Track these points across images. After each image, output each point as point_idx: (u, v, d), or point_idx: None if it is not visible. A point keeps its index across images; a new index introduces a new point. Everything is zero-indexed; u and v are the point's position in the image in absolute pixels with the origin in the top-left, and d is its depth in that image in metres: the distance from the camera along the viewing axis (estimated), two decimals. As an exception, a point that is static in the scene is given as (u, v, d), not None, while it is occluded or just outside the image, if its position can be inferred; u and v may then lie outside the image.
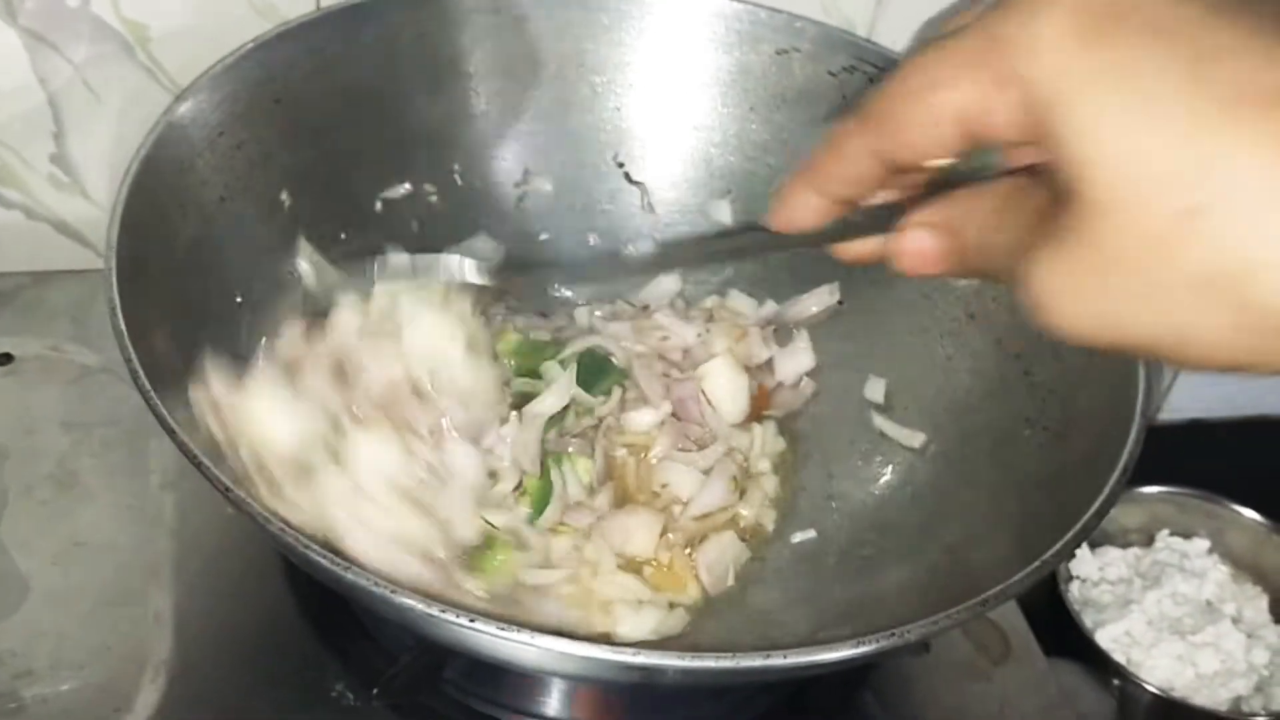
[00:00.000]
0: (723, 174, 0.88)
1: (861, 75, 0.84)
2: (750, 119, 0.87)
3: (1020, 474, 0.70)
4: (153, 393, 0.57)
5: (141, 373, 0.58)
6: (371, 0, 0.80)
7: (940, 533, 0.72)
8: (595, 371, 0.80)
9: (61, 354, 0.85)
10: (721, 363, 0.83)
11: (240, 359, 0.72)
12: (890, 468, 0.79)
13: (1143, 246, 0.37)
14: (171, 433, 0.57)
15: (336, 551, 0.56)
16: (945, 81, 0.41)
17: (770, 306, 0.87)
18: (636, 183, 0.89)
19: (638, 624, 0.71)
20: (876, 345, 0.84)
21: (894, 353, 0.83)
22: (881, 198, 0.48)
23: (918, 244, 0.46)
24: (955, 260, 0.45)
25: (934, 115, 0.42)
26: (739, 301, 0.88)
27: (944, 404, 0.79)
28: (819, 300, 0.84)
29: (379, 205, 0.83)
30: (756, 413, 0.84)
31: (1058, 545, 0.58)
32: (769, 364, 0.86)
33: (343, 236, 0.81)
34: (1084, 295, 0.38)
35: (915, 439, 0.79)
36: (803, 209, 0.49)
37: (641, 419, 0.79)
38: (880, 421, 0.81)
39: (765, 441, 0.82)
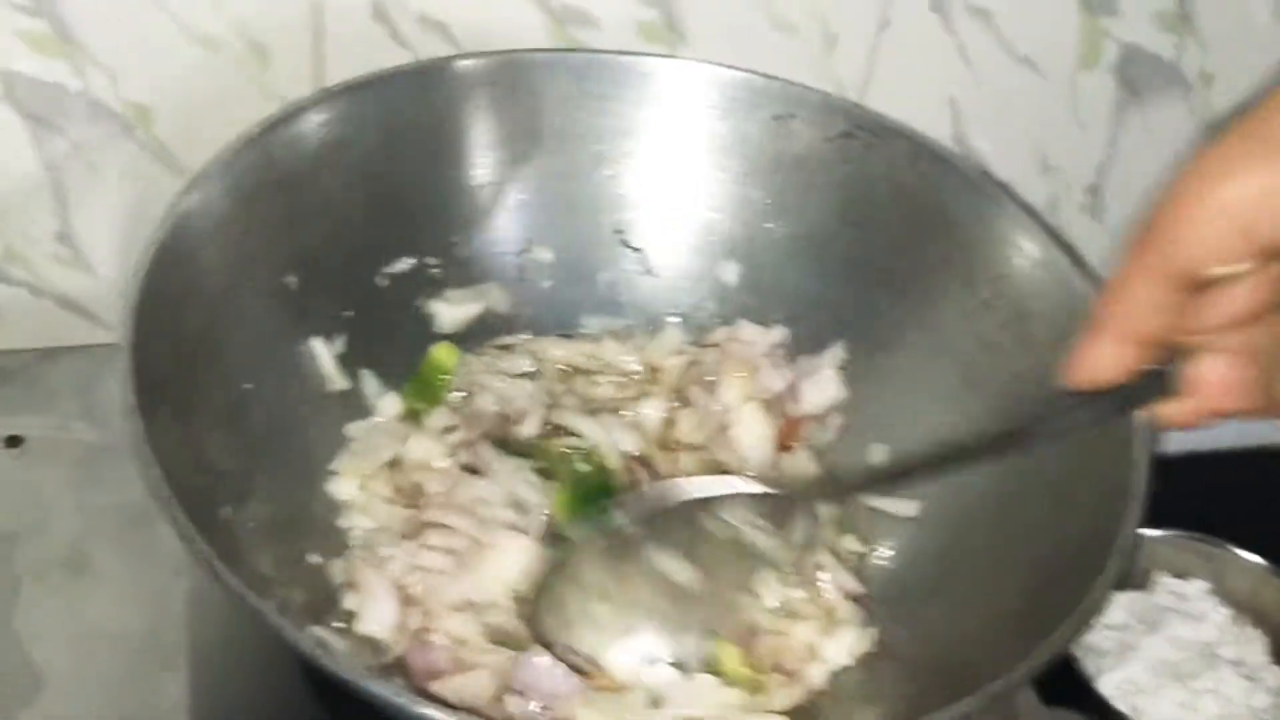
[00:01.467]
0: (723, 238, 0.89)
1: (858, 141, 0.85)
2: (748, 183, 0.88)
3: (1021, 553, 0.71)
4: (192, 529, 0.58)
5: (175, 500, 0.58)
6: (371, 78, 0.81)
7: (942, 611, 0.73)
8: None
9: (69, 433, 0.85)
10: (747, 413, 0.84)
11: (252, 449, 0.74)
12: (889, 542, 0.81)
13: None
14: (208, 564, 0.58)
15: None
16: (1222, 177, 0.40)
17: (779, 331, 0.88)
18: (636, 249, 0.89)
19: None
20: (873, 411, 0.85)
21: (891, 419, 0.84)
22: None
23: (1215, 373, 0.43)
24: (1259, 391, 0.43)
25: (1213, 213, 0.40)
26: (747, 330, 0.89)
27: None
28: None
29: (383, 281, 0.84)
30: (784, 444, 0.85)
31: (1059, 631, 0.59)
32: (792, 392, 0.86)
33: (348, 314, 0.82)
34: None
35: (910, 508, 0.80)
36: (1102, 360, 0.47)
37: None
38: (870, 501, 0.82)
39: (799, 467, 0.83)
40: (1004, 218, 0.80)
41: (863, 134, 0.84)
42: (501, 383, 0.83)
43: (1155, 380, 0.47)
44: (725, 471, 0.82)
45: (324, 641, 0.68)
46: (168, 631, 0.76)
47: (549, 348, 0.87)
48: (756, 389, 0.86)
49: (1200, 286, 0.42)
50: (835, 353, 0.86)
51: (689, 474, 0.82)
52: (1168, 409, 0.47)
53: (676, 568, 0.73)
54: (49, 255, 0.89)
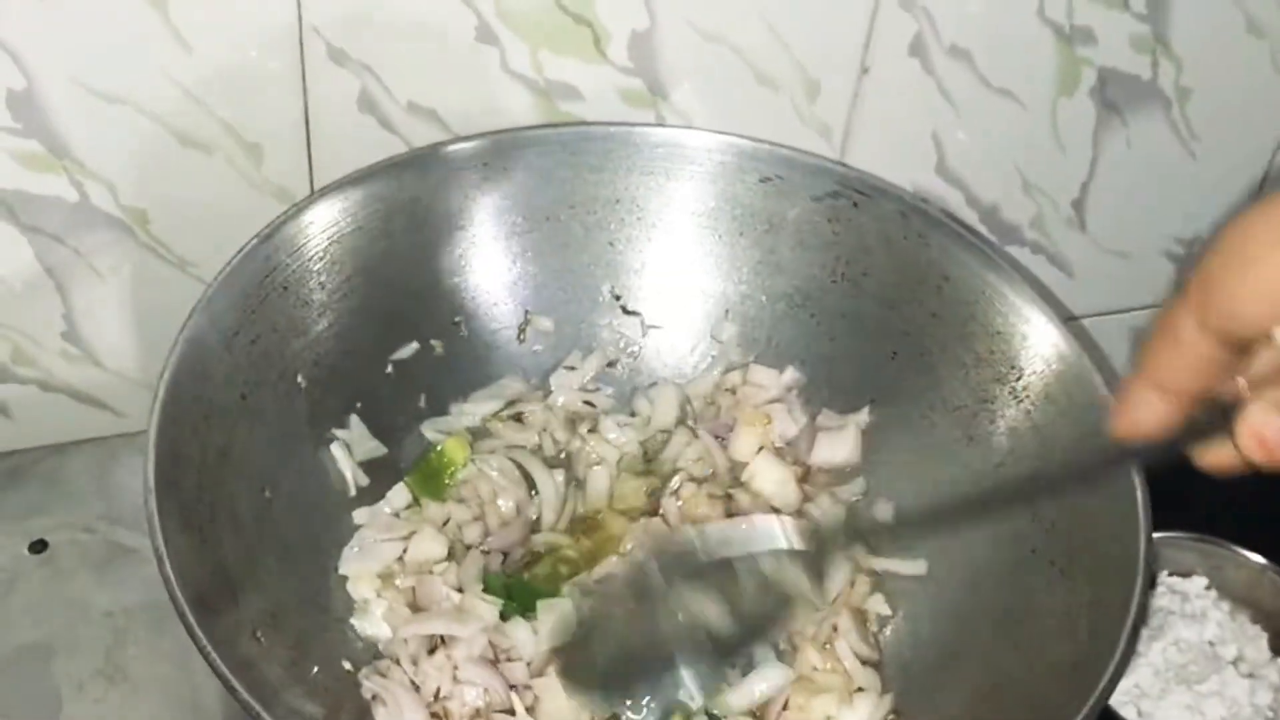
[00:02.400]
0: (718, 298, 0.90)
1: (845, 200, 0.86)
2: (740, 243, 0.89)
3: (1034, 615, 0.73)
4: (225, 669, 0.60)
5: (210, 647, 0.60)
6: (365, 172, 0.82)
7: (952, 677, 0.75)
8: None
9: (93, 535, 0.87)
10: (761, 462, 0.86)
11: (276, 558, 0.76)
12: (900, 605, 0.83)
13: None
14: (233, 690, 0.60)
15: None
16: (1273, 246, 0.39)
17: (791, 374, 0.90)
18: (633, 313, 0.91)
19: None
20: (875, 466, 0.87)
21: (894, 473, 0.86)
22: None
23: (1265, 426, 0.42)
24: None
25: (1264, 274, 0.40)
26: (760, 375, 0.90)
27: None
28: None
29: (390, 368, 0.85)
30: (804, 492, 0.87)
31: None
32: (807, 441, 0.88)
33: (359, 405, 0.84)
34: None
35: (918, 567, 0.82)
36: (1147, 411, 0.46)
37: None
38: (878, 561, 0.84)
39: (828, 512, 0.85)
40: (996, 273, 0.82)
41: (850, 193, 0.86)
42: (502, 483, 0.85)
43: (1199, 427, 0.47)
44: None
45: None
46: (207, 734, 0.79)
47: (554, 423, 0.89)
48: (771, 437, 0.88)
49: (1247, 344, 0.43)
50: (862, 416, 0.87)
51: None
52: (1213, 455, 0.47)
53: (713, 615, 0.73)
54: (57, 353, 0.90)
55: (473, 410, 0.87)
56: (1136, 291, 1.13)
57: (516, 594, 0.79)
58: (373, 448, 0.84)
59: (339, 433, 0.82)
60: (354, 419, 0.83)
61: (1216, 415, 0.44)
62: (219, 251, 0.77)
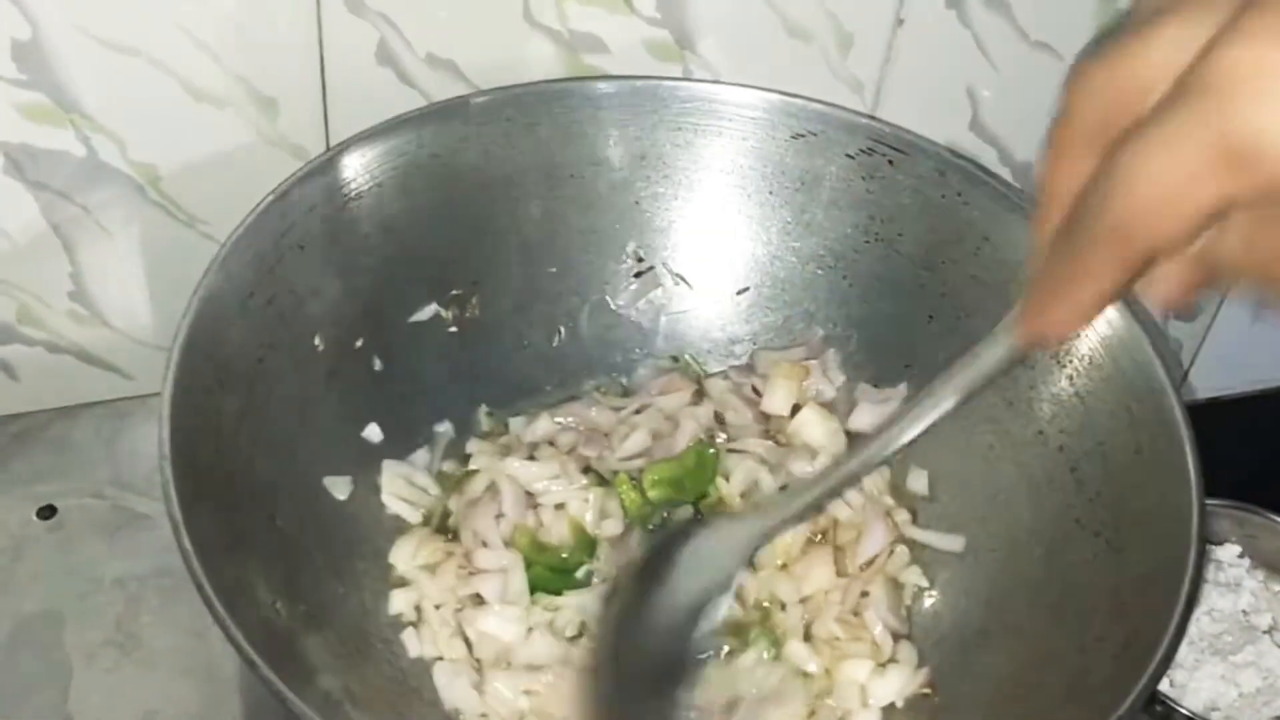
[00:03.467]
0: (746, 260, 0.88)
1: (880, 157, 0.83)
2: (770, 203, 0.86)
3: (1077, 588, 0.71)
4: (239, 635, 0.58)
5: (228, 619, 0.58)
6: (383, 127, 0.79)
7: (992, 655, 0.73)
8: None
9: (103, 500, 0.85)
10: (808, 413, 0.84)
11: (296, 527, 0.73)
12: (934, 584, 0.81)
13: None
14: (252, 664, 0.58)
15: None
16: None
17: (818, 335, 0.88)
18: (659, 273, 0.88)
19: None
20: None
21: (930, 441, 0.83)
22: None
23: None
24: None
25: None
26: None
27: (987, 497, 0.79)
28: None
29: (409, 330, 0.83)
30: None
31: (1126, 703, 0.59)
32: (846, 405, 0.86)
33: (378, 367, 0.81)
34: None
35: (956, 543, 0.79)
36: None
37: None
38: (916, 532, 0.81)
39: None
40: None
41: (887, 149, 0.83)
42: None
43: None
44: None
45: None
46: (223, 705, 0.77)
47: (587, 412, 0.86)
48: (810, 393, 0.85)
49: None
50: (902, 389, 0.85)
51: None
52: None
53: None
54: (64, 313, 0.88)
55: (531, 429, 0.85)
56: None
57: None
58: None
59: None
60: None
61: None
62: (231, 210, 0.74)
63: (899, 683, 0.75)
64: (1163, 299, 0.46)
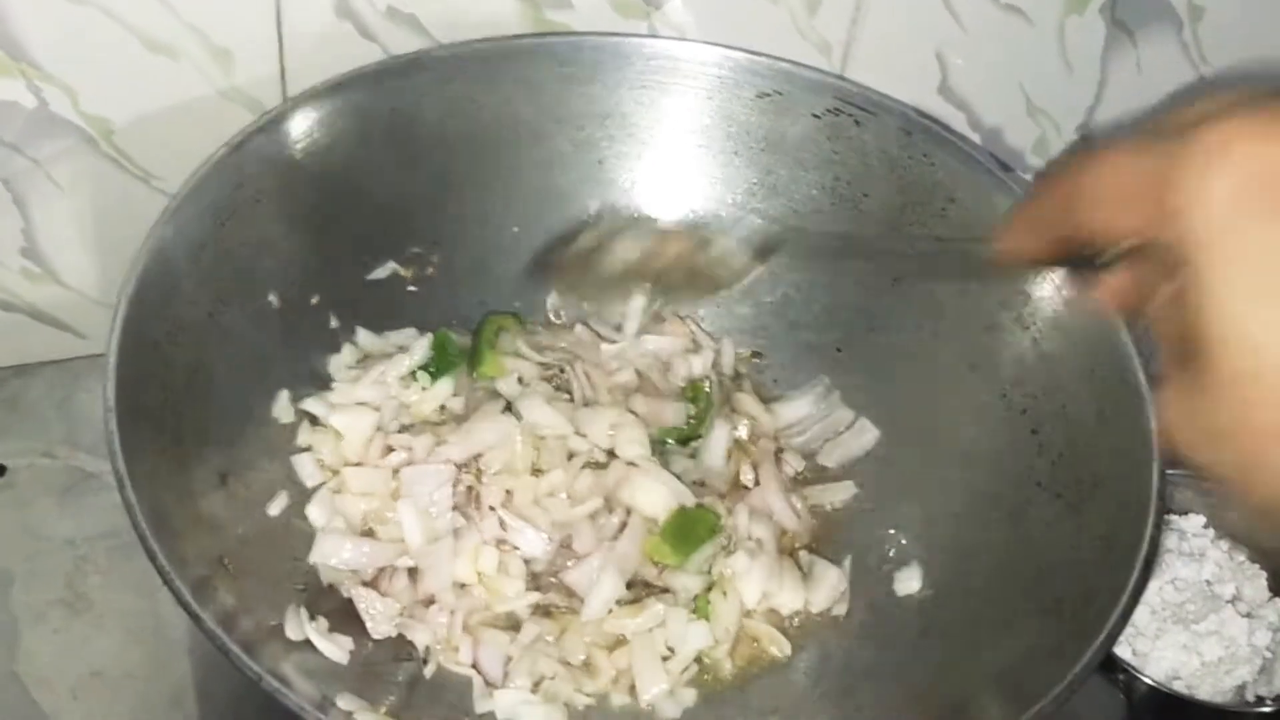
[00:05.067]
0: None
1: (846, 117, 0.82)
2: (735, 163, 0.86)
3: (1038, 548, 0.70)
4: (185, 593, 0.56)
5: (173, 574, 0.57)
6: (341, 80, 0.78)
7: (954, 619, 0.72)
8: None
9: (54, 460, 0.83)
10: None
11: (253, 481, 0.72)
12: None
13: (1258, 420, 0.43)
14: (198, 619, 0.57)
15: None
16: (1118, 205, 0.47)
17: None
18: (622, 233, 0.87)
19: None
20: (875, 395, 0.83)
21: (894, 402, 0.82)
22: None
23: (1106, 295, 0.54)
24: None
25: (1108, 223, 0.48)
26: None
27: (948, 460, 0.78)
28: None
29: (367, 288, 0.81)
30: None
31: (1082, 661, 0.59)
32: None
33: (334, 325, 0.80)
34: (1197, 431, 0.45)
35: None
36: (1023, 241, 0.55)
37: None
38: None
39: None
40: (1005, 195, 0.78)
41: (853, 109, 0.82)
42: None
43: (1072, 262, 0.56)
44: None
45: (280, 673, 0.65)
46: (172, 665, 0.76)
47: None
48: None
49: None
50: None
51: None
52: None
53: None
54: (16, 271, 0.86)
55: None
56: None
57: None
58: None
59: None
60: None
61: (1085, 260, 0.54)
62: (185, 165, 0.73)
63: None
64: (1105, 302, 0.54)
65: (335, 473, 0.77)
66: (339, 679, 0.67)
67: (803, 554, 0.80)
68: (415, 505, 0.74)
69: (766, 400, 0.86)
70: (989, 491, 0.75)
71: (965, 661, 0.69)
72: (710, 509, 0.77)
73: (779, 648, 0.76)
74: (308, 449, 0.77)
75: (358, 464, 0.77)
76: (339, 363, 0.81)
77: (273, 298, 0.77)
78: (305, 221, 0.78)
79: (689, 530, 0.76)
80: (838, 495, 0.82)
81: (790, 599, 0.76)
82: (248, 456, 0.73)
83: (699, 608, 0.75)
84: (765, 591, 0.76)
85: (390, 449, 0.77)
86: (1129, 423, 0.69)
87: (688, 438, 0.82)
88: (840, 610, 0.77)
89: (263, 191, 0.75)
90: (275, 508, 0.74)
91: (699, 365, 0.85)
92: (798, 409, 0.85)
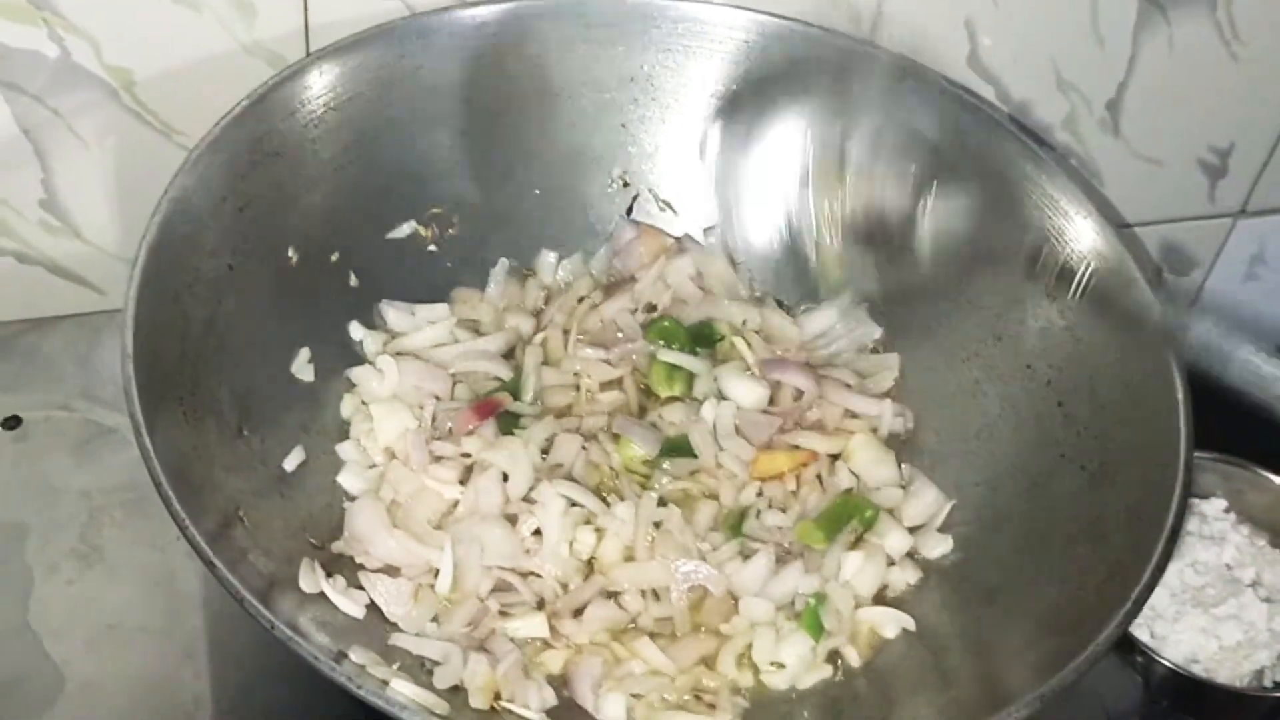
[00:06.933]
0: (736, 185, 0.85)
1: (877, 84, 0.81)
2: (764, 128, 0.84)
3: (1061, 520, 0.70)
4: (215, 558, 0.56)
5: (189, 522, 0.56)
6: (365, 35, 0.77)
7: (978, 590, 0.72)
8: None
9: (71, 413, 0.83)
10: None
11: (269, 435, 0.72)
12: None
13: None
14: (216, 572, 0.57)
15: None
16: None
17: None
18: (644, 198, 0.86)
19: None
20: (901, 366, 0.83)
21: (918, 377, 0.82)
22: None
23: None
24: None
25: None
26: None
27: (972, 431, 0.78)
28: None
29: (386, 247, 0.81)
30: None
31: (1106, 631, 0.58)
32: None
33: (354, 284, 0.79)
34: None
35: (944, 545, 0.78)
36: None
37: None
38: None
39: None
40: (1034, 164, 0.77)
41: (880, 77, 0.81)
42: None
43: None
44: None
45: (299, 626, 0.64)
46: (186, 619, 0.75)
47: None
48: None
49: None
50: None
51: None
52: None
53: None
54: (35, 223, 0.86)
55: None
56: (1167, 202, 1.09)
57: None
58: None
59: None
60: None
61: None
62: (207, 120, 0.73)
63: None
64: None
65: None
66: (352, 633, 0.66)
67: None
68: (459, 555, 0.73)
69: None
70: (1013, 463, 0.74)
71: (988, 630, 0.69)
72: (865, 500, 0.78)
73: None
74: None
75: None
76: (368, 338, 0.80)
77: (292, 253, 0.76)
78: (325, 178, 0.77)
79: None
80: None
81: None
82: (265, 411, 0.73)
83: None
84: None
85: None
86: (1156, 396, 0.68)
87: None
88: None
89: (284, 145, 0.75)
90: (291, 462, 0.73)
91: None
92: (824, 319, 0.85)
